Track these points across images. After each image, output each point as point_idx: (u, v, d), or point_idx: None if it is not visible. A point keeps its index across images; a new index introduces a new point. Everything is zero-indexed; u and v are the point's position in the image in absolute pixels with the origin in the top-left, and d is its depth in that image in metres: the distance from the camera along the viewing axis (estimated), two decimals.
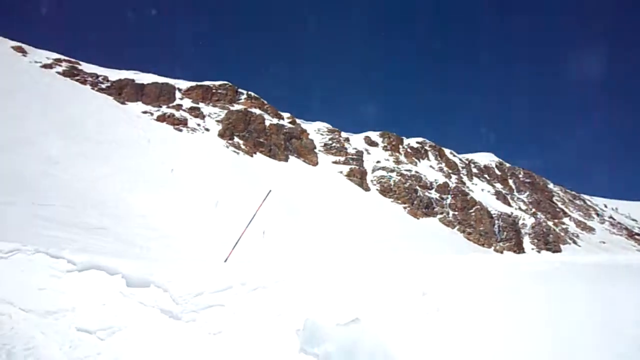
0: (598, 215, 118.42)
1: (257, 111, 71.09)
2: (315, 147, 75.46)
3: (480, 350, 3.28)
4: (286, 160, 66.27)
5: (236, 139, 63.14)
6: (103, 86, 63.22)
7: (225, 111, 67.65)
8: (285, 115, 78.23)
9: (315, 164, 71.11)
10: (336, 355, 4.35)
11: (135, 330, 5.15)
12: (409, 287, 4.42)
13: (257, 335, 4.93)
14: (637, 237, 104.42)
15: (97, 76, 65.01)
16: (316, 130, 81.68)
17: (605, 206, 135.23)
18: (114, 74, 67.71)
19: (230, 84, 74.95)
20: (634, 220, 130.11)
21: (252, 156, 60.90)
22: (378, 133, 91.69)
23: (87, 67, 66.42)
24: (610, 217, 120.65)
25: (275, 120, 72.69)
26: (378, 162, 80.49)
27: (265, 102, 76.68)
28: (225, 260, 9.69)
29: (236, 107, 70.13)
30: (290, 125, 74.85)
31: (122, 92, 63.66)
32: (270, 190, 12.08)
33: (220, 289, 5.48)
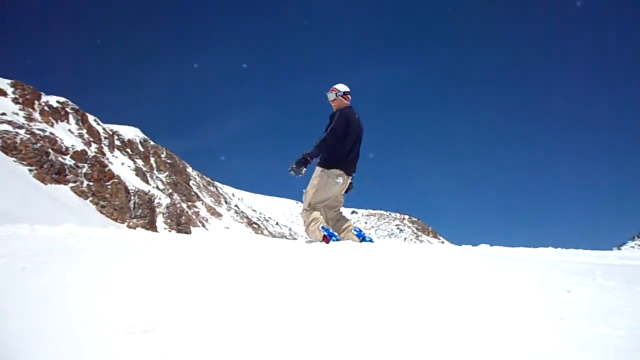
0: (227, 202, 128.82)
1: None
2: None
3: None
4: None
5: None
6: None
7: None
8: None
9: None
10: None
11: None
12: None
13: None
14: (254, 225, 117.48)
15: None
16: None
17: (233, 195, 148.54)
18: None
19: None
20: (254, 210, 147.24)
21: None
22: (9, 81, 78.46)
23: None
24: (236, 205, 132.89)
25: None
26: (3, 114, 68.66)
27: None
28: None
29: None
30: None
31: None
32: None
33: None
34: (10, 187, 47.93)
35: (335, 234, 6.32)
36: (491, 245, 6.28)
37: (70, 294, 2.64)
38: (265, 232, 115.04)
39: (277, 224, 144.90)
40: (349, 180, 6.78)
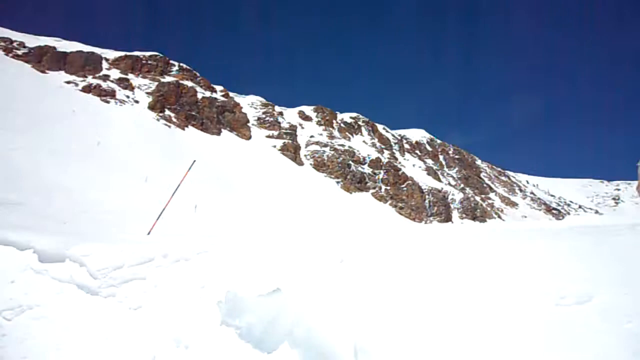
0: (521, 191, 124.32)
1: (189, 83, 69.10)
2: (248, 121, 74.38)
3: (397, 310, 3.31)
4: (219, 134, 65.06)
5: (167, 112, 61.20)
6: (19, 52, 59.28)
7: (156, 83, 65.29)
8: (218, 88, 76.53)
9: (249, 138, 70.25)
10: (258, 326, 4.31)
11: (47, 309, 4.85)
12: (329, 256, 4.38)
13: (179, 309, 4.77)
14: (554, 211, 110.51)
15: (12, 41, 60.81)
16: (250, 104, 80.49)
17: (528, 182, 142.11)
18: (32, 40, 63.57)
19: (161, 54, 72.31)
20: (552, 196, 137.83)
21: (183, 129, 59.32)
22: (312, 107, 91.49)
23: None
24: (532, 192, 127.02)
25: (207, 93, 70.97)
26: (312, 136, 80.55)
27: (198, 74, 74.63)
28: (149, 233, 9.41)
29: (167, 79, 67.82)
30: (223, 99, 73.36)
31: (42, 60, 59.91)
32: (194, 161, 11.80)
33: (141, 262, 5.25)
34: (325, 200, 56.35)
35: None
36: None
37: None
38: (567, 218, 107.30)
39: (580, 207, 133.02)
40: None
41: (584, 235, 4.40)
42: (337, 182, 72.01)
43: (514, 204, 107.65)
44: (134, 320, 4.71)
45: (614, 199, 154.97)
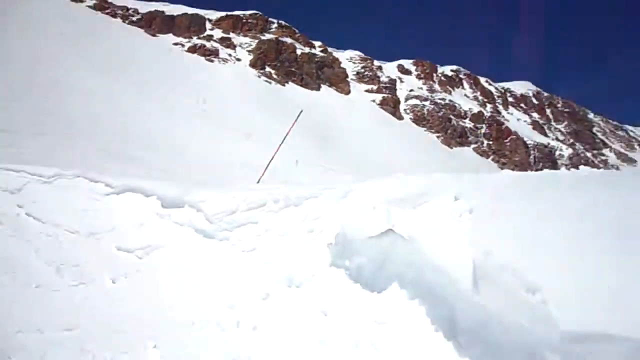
0: None
1: (289, 40, 69.84)
2: (347, 76, 74.14)
3: (510, 243, 3.27)
4: (318, 89, 65.63)
5: (268, 69, 62.56)
6: (134, 19, 62.91)
7: (256, 41, 66.71)
8: (317, 44, 76.65)
9: (348, 92, 70.20)
10: (368, 266, 4.46)
11: (171, 249, 5.37)
12: (441, 194, 4.33)
13: (290, 251, 5.05)
14: None
15: (128, 9, 64.59)
16: (348, 59, 79.96)
17: None
18: (144, 6, 67.08)
19: (260, 13, 73.50)
20: None
21: (284, 85, 60.51)
22: (411, 61, 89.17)
23: (117, 0, 65.87)
24: None
25: (306, 49, 71.43)
26: (411, 90, 78.94)
27: (297, 30, 75.10)
28: (258, 182, 9.88)
29: (267, 36, 68.99)
30: (322, 54, 73.51)
31: (152, 24, 63.18)
32: (301, 110, 12.06)
33: (253, 207, 5.56)
34: (425, 155, 55.58)
35: None
36: None
37: None
38: None
39: None
40: None
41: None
42: (438, 137, 70.53)
43: (632, 161, 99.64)
44: (247, 261, 5.08)
45: None
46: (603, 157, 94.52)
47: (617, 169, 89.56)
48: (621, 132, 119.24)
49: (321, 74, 69.25)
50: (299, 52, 68.71)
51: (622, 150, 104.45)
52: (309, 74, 66.76)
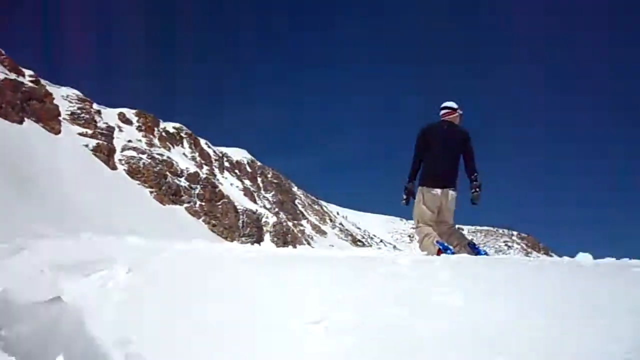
0: (331, 220, 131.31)
1: None
2: (60, 114, 67.21)
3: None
4: (20, 122, 57.82)
5: None
6: None
7: None
8: (28, 72, 68.13)
9: (58, 132, 63.57)
10: (31, 337, 3.85)
11: None
12: (117, 263, 4.17)
13: None
14: (359, 243, 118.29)
15: None
16: (64, 96, 72.79)
17: (338, 213, 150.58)
18: None
19: None
20: (359, 228, 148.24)
21: None
22: (134, 111, 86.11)
23: None
24: (341, 223, 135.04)
25: (13, 76, 62.78)
26: (130, 141, 75.77)
27: (2, 51, 65.71)
28: None
29: None
30: (32, 85, 65.46)
31: None
32: None
33: None
34: (135, 209, 53.23)
35: (450, 247, 6.21)
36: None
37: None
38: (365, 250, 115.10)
39: (381, 241, 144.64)
40: (452, 192, 6.75)
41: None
42: (151, 192, 68.55)
43: (323, 233, 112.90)
44: None
45: (409, 236, 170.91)
46: (302, 227, 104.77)
47: (312, 239, 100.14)
48: (317, 206, 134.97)
49: (27, 106, 61.29)
50: (1, 76, 59.84)
51: (317, 223, 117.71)
52: (12, 103, 58.46)
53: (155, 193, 69.14)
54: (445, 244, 6.20)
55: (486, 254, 6.35)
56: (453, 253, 5.92)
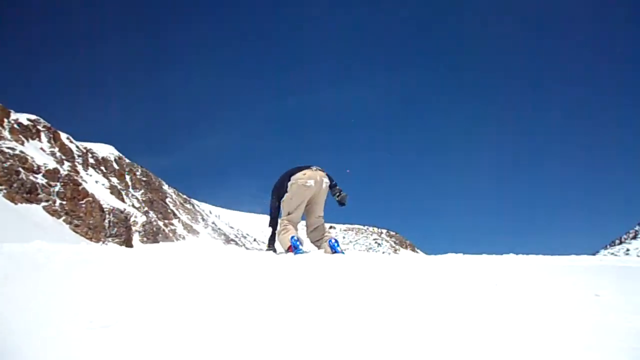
0: (204, 220, 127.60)
1: None
2: None
3: None
4: None
5: None
6: None
7: None
8: None
9: None
10: None
11: None
12: None
13: None
14: (232, 242, 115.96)
15: None
16: None
17: (210, 212, 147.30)
18: None
19: None
20: (232, 227, 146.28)
21: None
22: None
23: None
24: (213, 222, 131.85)
25: None
26: None
27: None
28: None
29: None
30: None
31: None
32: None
33: None
34: None
35: (302, 249, 6.25)
36: (456, 254, 6.05)
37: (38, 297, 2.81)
38: (242, 249, 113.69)
39: (254, 240, 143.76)
40: (325, 180, 6.79)
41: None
42: (0, 190, 60.78)
43: (196, 232, 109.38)
44: None
45: None
46: (173, 227, 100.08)
47: (184, 238, 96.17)
48: (189, 205, 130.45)
49: None
50: None
51: (188, 222, 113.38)
52: None
53: (5, 191, 61.45)
54: (298, 244, 6.26)
55: (342, 253, 6.37)
56: (302, 253, 6.05)
